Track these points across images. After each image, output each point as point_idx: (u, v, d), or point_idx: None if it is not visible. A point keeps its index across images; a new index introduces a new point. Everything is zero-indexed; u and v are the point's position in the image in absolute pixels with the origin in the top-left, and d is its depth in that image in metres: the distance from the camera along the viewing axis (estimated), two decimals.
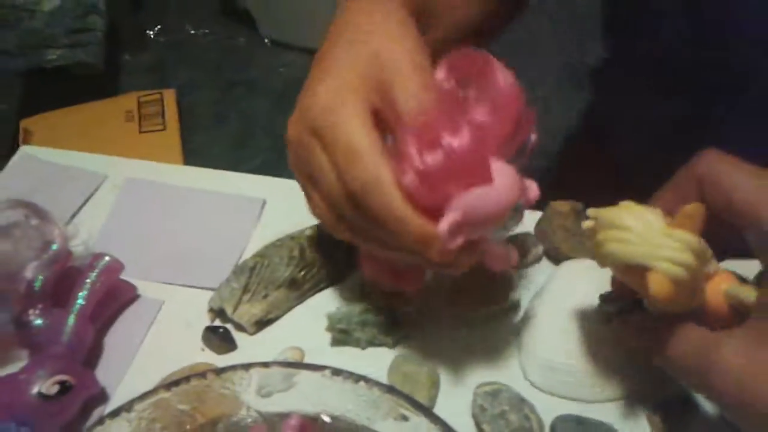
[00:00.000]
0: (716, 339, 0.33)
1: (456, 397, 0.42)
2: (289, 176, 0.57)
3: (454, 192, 0.34)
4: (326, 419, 0.36)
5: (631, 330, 0.37)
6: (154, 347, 0.47)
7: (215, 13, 2.00)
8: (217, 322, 0.48)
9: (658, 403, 0.41)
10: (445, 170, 0.33)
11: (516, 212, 0.36)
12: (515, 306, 0.46)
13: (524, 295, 0.47)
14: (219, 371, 0.36)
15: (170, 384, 0.36)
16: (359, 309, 0.45)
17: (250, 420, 0.38)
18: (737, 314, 0.34)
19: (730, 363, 0.31)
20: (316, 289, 0.49)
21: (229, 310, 0.46)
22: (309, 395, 0.37)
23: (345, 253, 0.49)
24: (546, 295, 0.45)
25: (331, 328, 0.45)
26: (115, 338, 0.48)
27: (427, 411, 0.34)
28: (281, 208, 0.54)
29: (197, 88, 1.81)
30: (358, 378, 0.35)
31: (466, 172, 0.33)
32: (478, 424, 0.40)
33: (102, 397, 0.45)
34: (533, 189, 0.37)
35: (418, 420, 0.34)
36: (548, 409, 0.41)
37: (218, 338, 0.46)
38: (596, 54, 0.70)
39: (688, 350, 0.33)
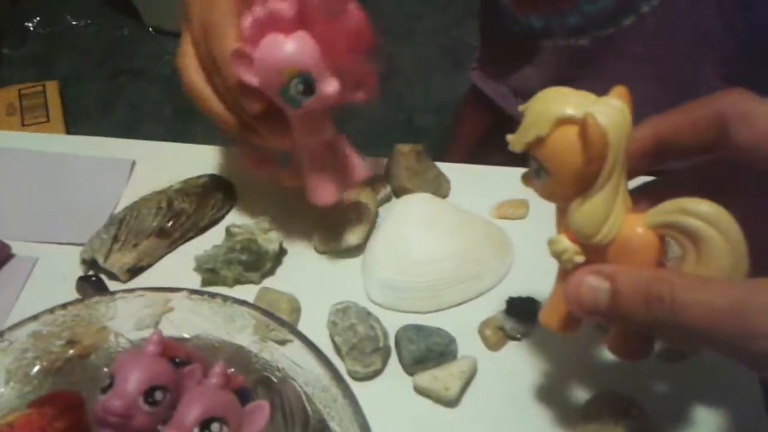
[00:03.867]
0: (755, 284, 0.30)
1: (315, 319, 0.47)
2: (160, 139, 0.61)
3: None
4: (186, 335, 0.40)
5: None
6: (30, 302, 0.50)
7: (97, 3, 1.97)
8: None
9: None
10: (266, 21, 0.40)
11: (303, 87, 0.41)
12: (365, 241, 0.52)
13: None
14: (80, 300, 0.40)
15: (36, 315, 0.39)
16: (224, 250, 0.49)
17: (120, 348, 0.41)
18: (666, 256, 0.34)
19: None
20: (186, 237, 0.52)
21: (100, 259, 0.49)
22: (174, 321, 0.41)
23: (212, 204, 0.53)
24: (384, 224, 0.50)
25: (198, 268, 0.49)
26: None
27: (270, 314, 0.39)
28: (150, 169, 0.57)
29: (81, 79, 1.78)
30: (213, 295, 0.40)
31: (278, 26, 0.40)
32: (331, 337, 0.46)
33: None
34: (333, 83, 0.41)
35: (267, 321, 0.39)
36: (393, 322, 0.47)
37: (91, 286, 0.49)
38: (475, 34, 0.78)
39: (720, 309, 0.30)
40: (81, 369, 0.41)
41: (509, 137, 0.35)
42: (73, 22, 1.96)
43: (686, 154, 0.36)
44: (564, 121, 0.33)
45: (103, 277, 0.50)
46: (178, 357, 0.39)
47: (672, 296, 0.31)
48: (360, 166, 0.48)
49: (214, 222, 0.54)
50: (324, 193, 0.48)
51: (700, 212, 0.31)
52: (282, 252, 0.51)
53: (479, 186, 0.55)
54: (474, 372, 0.45)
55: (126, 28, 1.92)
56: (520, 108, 0.36)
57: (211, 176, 0.55)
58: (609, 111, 0.32)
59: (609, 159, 0.32)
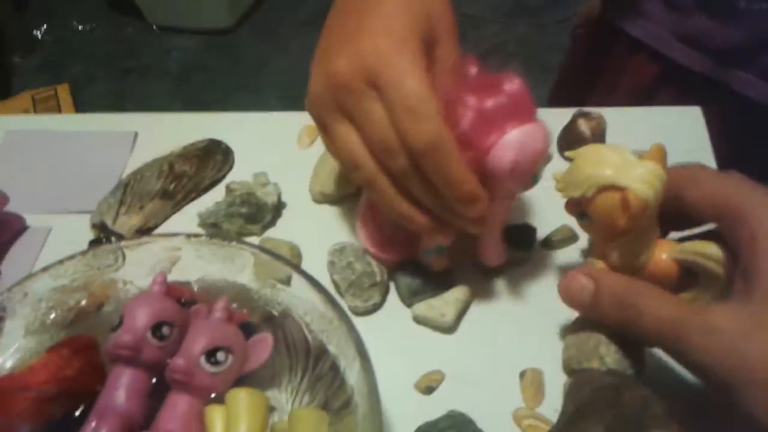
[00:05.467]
0: (696, 308, 0.35)
1: (316, 264, 0.49)
2: (160, 110, 0.64)
3: (507, 130, 0.38)
4: (191, 279, 0.42)
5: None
6: None
7: (101, 7, 2.01)
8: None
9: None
10: (502, 109, 0.38)
11: (547, 161, 0.40)
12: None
13: None
14: (87, 250, 0.42)
15: (47, 266, 0.41)
16: (225, 204, 0.51)
17: (131, 296, 0.44)
18: (684, 277, 0.39)
19: (723, 329, 0.33)
20: (188, 198, 0.55)
21: (109, 222, 0.51)
22: (179, 266, 0.43)
23: (212, 165, 0.55)
24: None
25: (202, 223, 0.51)
26: (9, 265, 0.52)
27: (267, 250, 0.41)
28: (153, 139, 0.60)
29: (91, 81, 1.82)
30: (211, 236, 0.42)
31: (518, 111, 0.38)
32: (331, 276, 0.48)
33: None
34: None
35: (265, 258, 0.41)
36: None
37: None
38: None
39: (664, 317, 0.36)
40: (95, 318, 0.43)
41: (556, 178, 0.41)
42: (80, 27, 2.00)
43: None
44: (607, 188, 0.38)
45: (112, 240, 0.52)
46: (183, 298, 0.42)
47: (639, 305, 0.37)
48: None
49: (215, 182, 0.56)
50: (500, 254, 0.47)
51: (714, 255, 0.37)
52: (281, 204, 0.53)
53: None
54: (470, 299, 0.46)
55: (130, 28, 1.96)
56: (568, 154, 0.40)
57: (210, 141, 0.57)
58: (647, 176, 0.37)
59: (645, 217, 0.38)
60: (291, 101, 1.74)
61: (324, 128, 0.42)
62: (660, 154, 0.39)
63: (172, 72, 1.80)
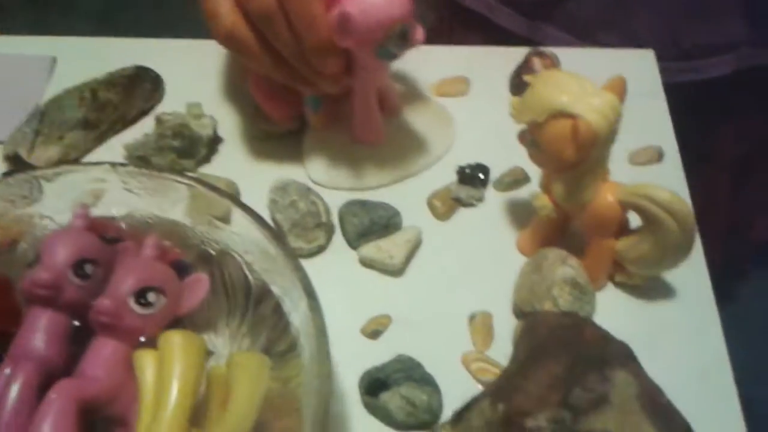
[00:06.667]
0: None
1: (255, 203, 0.46)
2: (81, 34, 0.58)
3: None
4: (116, 214, 0.39)
5: None
6: None
7: None
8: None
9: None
10: None
11: (400, 39, 0.40)
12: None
13: None
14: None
15: None
16: (155, 137, 0.47)
17: (49, 231, 0.39)
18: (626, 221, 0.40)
19: None
20: (114, 130, 0.50)
21: (23, 154, 0.47)
22: (104, 200, 0.39)
23: (139, 94, 0.51)
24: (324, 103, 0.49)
25: (129, 156, 0.47)
26: None
27: (205, 183, 0.37)
28: (74, 65, 0.55)
29: (7, 13, 1.68)
30: (139, 167, 0.38)
31: None
32: (272, 216, 0.44)
33: None
34: (420, 30, 0.41)
35: (203, 192, 0.37)
36: (337, 201, 0.46)
37: None
38: None
39: None
40: (8, 256, 0.39)
41: (512, 103, 0.40)
42: None
43: None
44: (559, 114, 0.36)
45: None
46: (109, 234, 0.38)
47: None
48: (396, 94, 0.48)
49: (143, 113, 0.51)
50: (375, 132, 0.47)
51: (660, 199, 0.37)
52: (217, 139, 0.49)
53: (419, 65, 0.54)
54: (419, 242, 0.44)
55: None
56: (527, 78, 0.40)
57: (138, 67, 0.53)
58: (603, 107, 0.36)
59: (595, 150, 0.37)
60: None
61: None
62: (621, 86, 0.38)
63: (96, 10, 1.68)
